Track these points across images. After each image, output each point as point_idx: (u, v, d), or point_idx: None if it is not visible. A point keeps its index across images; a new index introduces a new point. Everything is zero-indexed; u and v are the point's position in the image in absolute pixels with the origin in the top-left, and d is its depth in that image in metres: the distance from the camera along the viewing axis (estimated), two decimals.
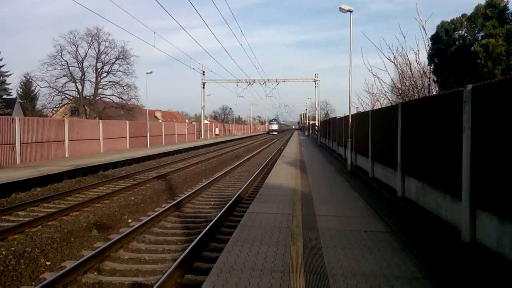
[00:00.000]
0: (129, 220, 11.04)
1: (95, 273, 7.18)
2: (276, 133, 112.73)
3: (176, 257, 7.68)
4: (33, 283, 6.74)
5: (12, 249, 8.22)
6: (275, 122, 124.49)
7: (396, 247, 6.76)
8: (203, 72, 59.51)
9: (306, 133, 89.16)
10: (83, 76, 58.50)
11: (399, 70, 25.49)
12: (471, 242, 6.88)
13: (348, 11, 18.95)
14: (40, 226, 10.13)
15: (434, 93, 22.62)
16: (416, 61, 24.18)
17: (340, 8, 18.97)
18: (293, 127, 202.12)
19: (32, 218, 10.86)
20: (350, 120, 20.14)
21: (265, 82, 57.02)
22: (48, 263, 7.70)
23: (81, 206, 12.33)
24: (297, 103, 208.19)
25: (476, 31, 21.36)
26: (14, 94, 59.74)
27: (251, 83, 57.07)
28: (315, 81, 58.72)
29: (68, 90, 58.33)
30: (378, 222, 8.55)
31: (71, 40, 56.52)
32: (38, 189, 15.77)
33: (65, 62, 56.57)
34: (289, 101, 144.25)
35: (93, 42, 58.01)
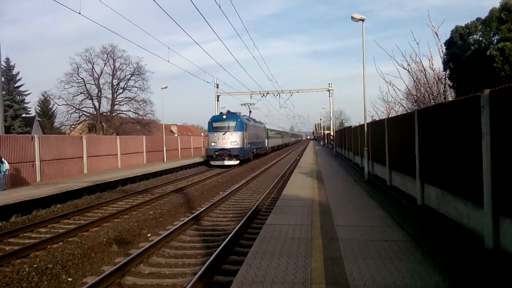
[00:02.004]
0: (149, 235, 11.10)
1: None
2: (234, 162, 34.89)
3: (196, 270, 7.69)
4: None
5: (35, 265, 8.32)
6: (231, 127, 36.72)
7: (418, 256, 6.65)
8: (217, 85, 59.86)
9: (321, 143, 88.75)
10: (99, 93, 59.57)
11: (413, 77, 25.32)
12: (495, 249, 6.73)
13: (360, 20, 18.96)
14: (61, 243, 10.25)
15: (450, 99, 22.38)
16: (430, 67, 24.00)
17: (352, 17, 19.02)
18: (308, 137, 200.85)
19: (53, 234, 11.01)
20: (365, 128, 20.02)
21: (278, 93, 56.98)
22: (69, 279, 7.78)
23: (100, 222, 12.45)
24: (311, 113, 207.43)
25: (491, 35, 21.16)
26: (32, 113, 60.86)
27: (265, 95, 57.07)
28: (329, 90, 58.54)
29: (85, 107, 59.47)
30: (398, 231, 8.43)
31: (87, 58, 57.72)
32: (58, 206, 16.00)
33: (82, 80, 57.75)
34: (303, 112, 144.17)
35: (108, 59, 59.15)
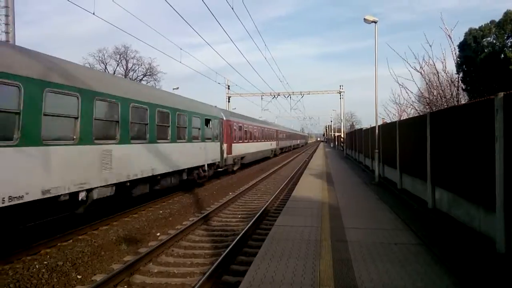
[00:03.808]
0: (158, 234, 11.13)
1: (125, 286, 7.27)
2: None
3: (205, 270, 7.70)
4: None
5: (45, 262, 8.39)
6: None
7: (429, 260, 6.58)
8: (228, 86, 60.04)
9: (331, 145, 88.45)
10: None
11: (426, 79, 25.11)
12: (507, 253, 6.64)
13: (372, 22, 18.87)
14: (71, 240, 10.32)
15: (463, 102, 22.15)
16: (443, 70, 23.78)
17: (364, 19, 18.94)
18: (318, 139, 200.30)
19: (63, 232, 11.07)
20: (376, 131, 19.89)
21: (289, 94, 56.94)
22: (79, 276, 7.82)
23: (110, 220, 12.50)
24: (322, 115, 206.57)
25: (506, 38, 20.91)
26: None
27: (276, 96, 57.06)
28: (340, 92, 58.33)
29: None
30: (408, 234, 8.35)
31: (100, 58, 58.13)
32: None
33: None
34: (314, 113, 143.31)
35: (121, 59, 59.62)
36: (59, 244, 9.94)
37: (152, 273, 7.95)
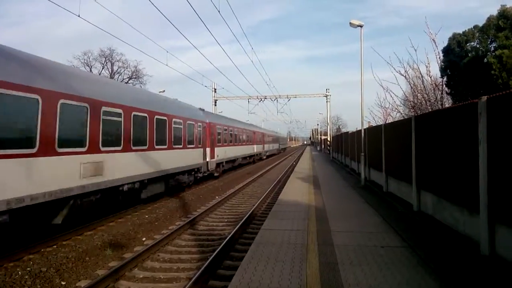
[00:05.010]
0: (144, 239, 11.02)
1: None
2: None
3: (191, 275, 7.64)
4: None
5: (28, 269, 8.24)
6: None
7: (414, 262, 6.62)
8: (215, 89, 59.97)
9: (318, 148, 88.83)
10: None
11: (410, 83, 25.40)
12: (491, 256, 6.72)
13: (358, 26, 19.03)
14: (55, 246, 10.16)
15: (448, 105, 22.45)
16: (428, 73, 24.09)
17: (350, 23, 19.10)
18: (305, 142, 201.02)
19: (46, 237, 10.90)
20: (362, 134, 20.03)
21: (276, 98, 57.06)
22: (63, 283, 7.69)
23: (95, 225, 12.35)
24: (309, 118, 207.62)
25: (489, 42, 21.26)
26: None
27: (263, 100, 57.13)
28: (326, 96, 58.68)
29: None
30: (394, 237, 8.40)
31: (85, 61, 57.46)
32: None
33: None
34: (300, 117, 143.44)
35: (106, 62, 59.01)
36: (42, 250, 9.77)
37: (138, 279, 7.86)
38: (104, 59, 58.85)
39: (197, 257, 9.21)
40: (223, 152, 28.56)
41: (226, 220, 13.43)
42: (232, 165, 32.81)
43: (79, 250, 9.67)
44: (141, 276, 7.97)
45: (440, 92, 23.93)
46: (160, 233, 11.50)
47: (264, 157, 53.25)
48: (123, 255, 9.47)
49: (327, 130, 64.27)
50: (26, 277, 7.80)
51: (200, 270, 7.55)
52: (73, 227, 11.35)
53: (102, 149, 11.75)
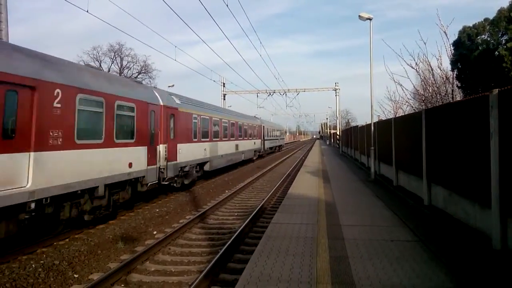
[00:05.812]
0: (154, 232, 11.12)
1: (122, 285, 7.26)
2: None
3: (202, 268, 7.70)
4: None
5: (41, 262, 8.37)
6: None
7: (425, 256, 6.61)
8: (224, 84, 59.99)
9: (327, 142, 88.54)
10: None
11: (421, 76, 25.21)
12: (503, 250, 6.68)
13: (367, 19, 18.90)
14: (67, 239, 10.29)
15: (458, 99, 22.25)
16: (439, 67, 23.87)
17: (359, 16, 18.98)
18: (314, 136, 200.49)
19: (59, 231, 11.03)
20: (372, 128, 19.95)
21: (285, 92, 56.94)
22: (76, 275, 7.81)
23: (106, 219, 12.46)
24: (318, 112, 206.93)
25: (500, 35, 20.97)
26: None
27: (271, 94, 57.06)
28: (335, 90, 58.42)
29: None
30: (405, 231, 8.39)
31: (95, 56, 57.67)
32: None
33: None
34: (309, 111, 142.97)
35: (115, 57, 59.24)
36: (55, 243, 9.91)
37: (149, 272, 7.95)
38: (113, 54, 59.06)
39: (207, 251, 9.27)
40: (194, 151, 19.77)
41: (236, 214, 13.49)
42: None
43: (91, 244, 9.79)
44: (152, 269, 8.05)
45: (450, 85, 23.72)
46: (171, 227, 11.59)
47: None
48: (135, 248, 9.57)
49: (337, 124, 63.99)
50: (40, 269, 7.92)
51: (211, 264, 7.60)
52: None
53: None
